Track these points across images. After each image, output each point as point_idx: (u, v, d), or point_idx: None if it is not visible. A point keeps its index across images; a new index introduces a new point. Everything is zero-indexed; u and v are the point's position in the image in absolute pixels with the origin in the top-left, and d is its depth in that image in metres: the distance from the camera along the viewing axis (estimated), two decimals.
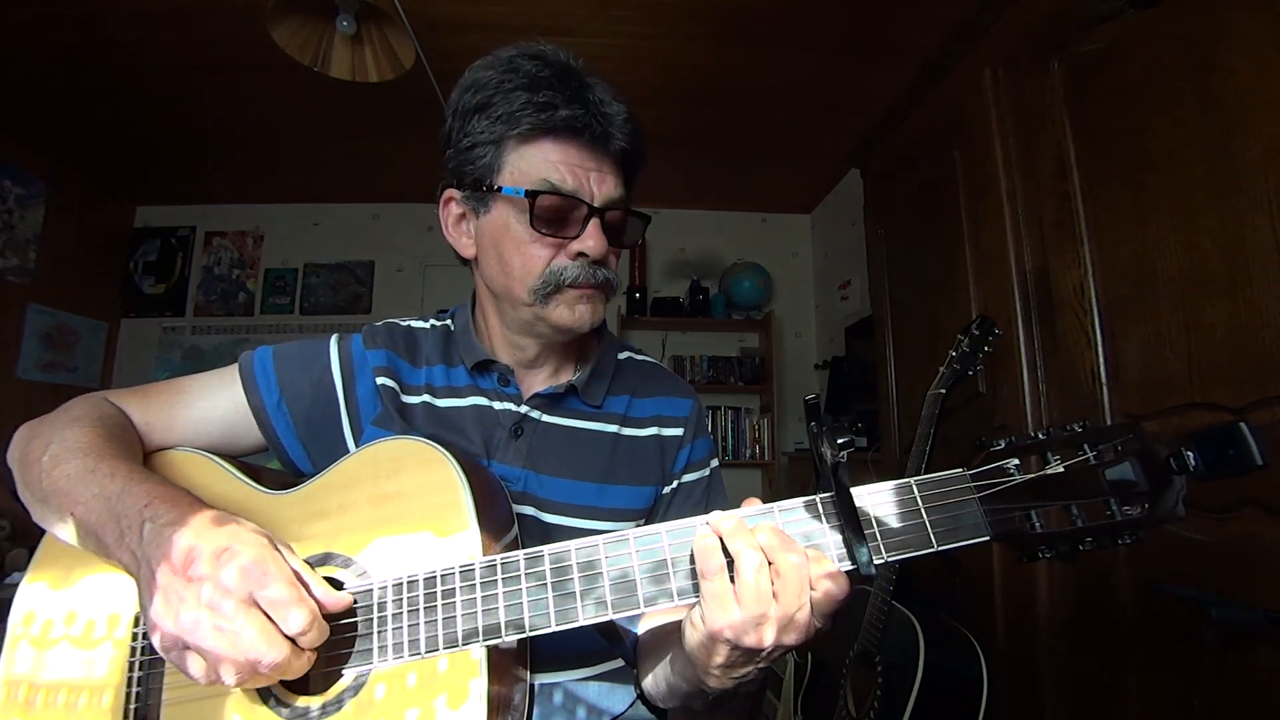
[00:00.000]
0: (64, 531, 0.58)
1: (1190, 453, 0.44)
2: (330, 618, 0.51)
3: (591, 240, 0.65)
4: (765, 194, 3.52)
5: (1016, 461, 0.48)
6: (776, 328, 3.49)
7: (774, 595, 0.46)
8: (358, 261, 3.60)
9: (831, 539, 0.49)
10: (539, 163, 0.65)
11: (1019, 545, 0.49)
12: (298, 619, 0.47)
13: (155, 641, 0.48)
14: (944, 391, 1.47)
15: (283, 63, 1.84)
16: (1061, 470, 0.48)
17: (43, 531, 0.64)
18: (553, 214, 0.65)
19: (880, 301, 2.32)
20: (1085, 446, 0.47)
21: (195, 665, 0.47)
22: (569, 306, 0.68)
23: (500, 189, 0.66)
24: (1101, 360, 1.33)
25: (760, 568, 0.46)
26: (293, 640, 0.48)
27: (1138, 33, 1.24)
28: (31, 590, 0.62)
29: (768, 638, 0.47)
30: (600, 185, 0.67)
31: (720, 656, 0.51)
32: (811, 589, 0.47)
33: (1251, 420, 1.06)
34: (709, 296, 3.50)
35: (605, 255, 0.68)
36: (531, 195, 0.64)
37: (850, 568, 0.48)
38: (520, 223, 0.66)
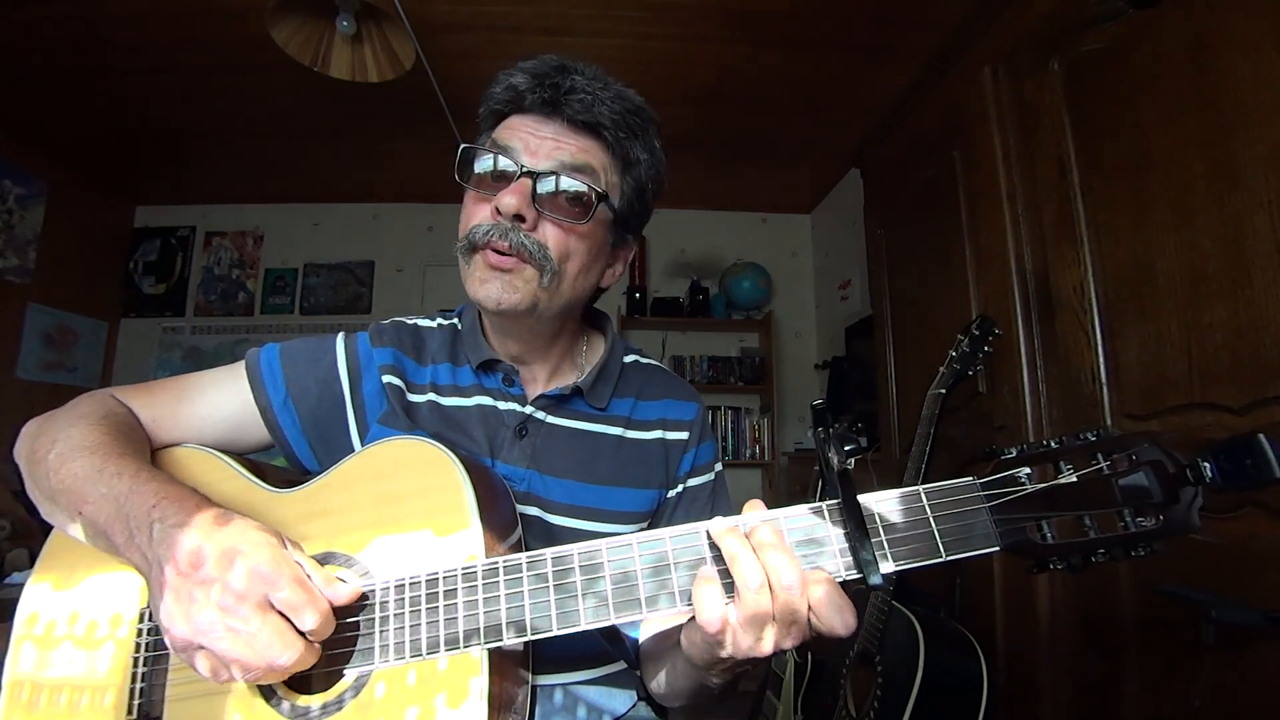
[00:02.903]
0: (74, 530, 0.58)
1: (1207, 464, 0.43)
2: (338, 612, 0.52)
3: (509, 196, 0.63)
4: (765, 194, 3.52)
5: (1028, 470, 0.48)
6: (776, 328, 3.49)
7: (773, 610, 0.46)
8: (358, 261, 3.60)
9: (838, 547, 0.49)
10: (501, 131, 0.68)
11: (1030, 556, 0.48)
12: (312, 619, 0.48)
13: (167, 642, 0.49)
14: (944, 391, 1.47)
15: (283, 63, 1.84)
16: (1074, 480, 0.47)
17: (44, 532, 0.65)
18: (483, 171, 0.67)
19: (880, 301, 2.33)
20: (1099, 455, 0.47)
21: (204, 664, 0.48)
22: (479, 279, 0.66)
23: None
24: (1101, 360, 1.33)
25: (761, 588, 0.45)
26: (306, 637, 0.48)
27: (1138, 33, 1.24)
28: (35, 591, 0.63)
29: (766, 647, 0.47)
30: (553, 151, 0.66)
31: (722, 664, 0.52)
32: (814, 615, 0.46)
33: (1251, 420, 1.05)
34: (709, 296, 3.50)
35: (526, 218, 0.64)
36: (463, 150, 0.67)
37: (856, 576, 0.47)
38: (468, 187, 0.68)
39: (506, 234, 0.64)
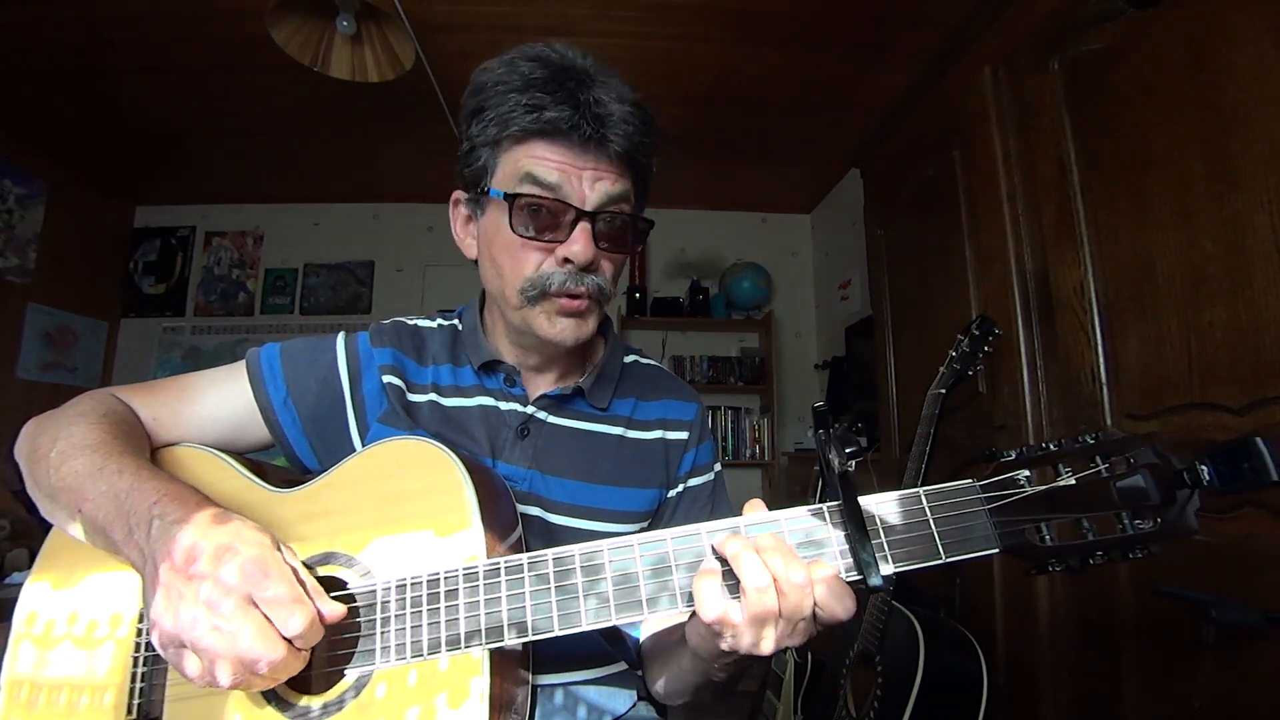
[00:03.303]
0: (73, 528, 0.58)
1: (1205, 466, 0.43)
2: (339, 602, 0.51)
3: (578, 245, 0.63)
4: (765, 194, 3.52)
5: (1028, 473, 0.48)
6: (776, 328, 3.49)
7: (778, 608, 0.46)
8: (358, 261, 3.60)
9: (838, 549, 0.49)
10: (526, 162, 0.63)
11: (1029, 558, 0.49)
12: (297, 622, 0.47)
13: (154, 639, 0.48)
14: (944, 391, 1.47)
15: (283, 63, 1.84)
16: (1073, 482, 0.47)
17: (44, 532, 0.65)
18: (537, 216, 0.64)
19: (880, 301, 2.33)
20: (1097, 458, 0.47)
21: (192, 665, 0.47)
22: (549, 318, 0.66)
23: (489, 191, 0.66)
24: (1101, 360, 1.33)
25: (767, 589, 0.46)
26: (289, 641, 0.47)
27: (1138, 33, 1.24)
28: (35, 590, 0.62)
29: (767, 646, 0.47)
30: (594, 186, 0.64)
31: (725, 659, 0.52)
32: (816, 604, 0.47)
33: (1251, 420, 1.05)
34: (709, 296, 3.50)
35: (595, 261, 0.66)
36: (511, 197, 0.63)
37: (857, 578, 0.48)
38: (507, 227, 0.65)
39: (581, 280, 0.65)
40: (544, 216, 0.64)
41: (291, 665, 0.48)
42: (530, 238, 0.64)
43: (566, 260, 0.64)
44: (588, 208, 0.64)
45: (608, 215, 0.65)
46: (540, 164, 0.63)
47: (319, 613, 0.49)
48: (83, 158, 3.08)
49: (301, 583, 0.49)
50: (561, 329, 0.67)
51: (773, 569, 0.46)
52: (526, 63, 0.64)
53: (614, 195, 0.65)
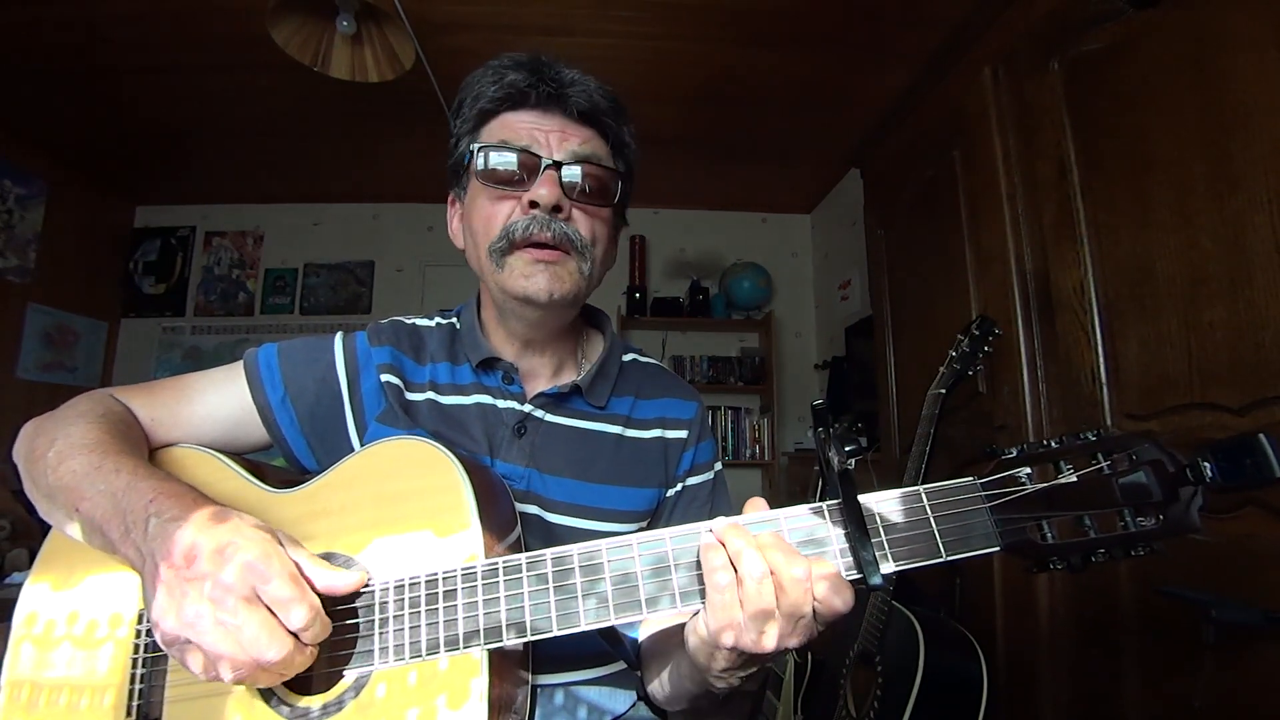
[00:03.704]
0: (70, 528, 0.58)
1: (1207, 463, 0.43)
2: (339, 604, 0.51)
3: (543, 189, 0.65)
4: (765, 194, 3.52)
5: (1029, 470, 0.48)
6: (776, 328, 3.49)
7: (777, 602, 0.46)
8: (358, 261, 3.60)
9: (838, 547, 0.49)
10: (497, 130, 0.68)
11: (1030, 556, 0.48)
12: (299, 615, 0.47)
13: (157, 637, 0.48)
14: (944, 391, 1.47)
15: (283, 63, 1.84)
16: (1074, 479, 0.47)
17: (44, 532, 0.65)
18: (507, 169, 0.67)
19: (880, 301, 2.33)
20: (1099, 455, 0.47)
21: (196, 661, 0.47)
22: (522, 273, 0.66)
23: (465, 158, 0.69)
24: (1101, 360, 1.33)
25: (764, 578, 0.46)
26: (295, 636, 0.48)
27: (1138, 33, 1.24)
28: (34, 591, 0.62)
29: (768, 643, 0.47)
30: (561, 145, 0.67)
31: (723, 660, 0.51)
32: (815, 599, 0.47)
33: (1251, 420, 1.05)
34: (709, 296, 3.50)
35: (563, 207, 0.66)
36: (483, 149, 0.67)
37: (857, 577, 0.47)
38: (481, 188, 0.68)
39: (548, 225, 0.66)
40: (513, 170, 0.67)
41: (298, 660, 0.48)
42: (497, 186, 0.67)
43: (533, 204, 0.65)
44: (555, 157, 0.66)
45: (575, 166, 0.67)
46: (509, 130, 0.68)
47: (330, 588, 0.50)
48: (83, 158, 3.08)
49: (307, 576, 0.50)
50: (535, 283, 0.66)
51: (773, 564, 0.46)
52: (499, 59, 0.69)
53: (581, 154, 0.68)
